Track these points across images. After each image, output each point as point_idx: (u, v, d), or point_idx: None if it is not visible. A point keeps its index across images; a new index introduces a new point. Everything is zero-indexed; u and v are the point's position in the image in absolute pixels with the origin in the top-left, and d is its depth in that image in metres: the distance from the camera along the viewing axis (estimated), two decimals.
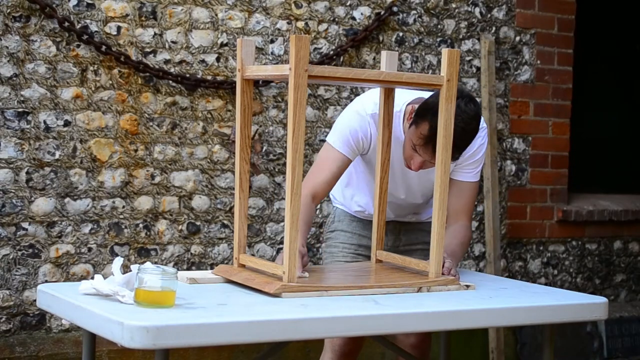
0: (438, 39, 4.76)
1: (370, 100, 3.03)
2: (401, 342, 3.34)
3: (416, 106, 2.92)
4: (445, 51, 2.61)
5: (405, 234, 3.32)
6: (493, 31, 4.93)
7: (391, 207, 3.19)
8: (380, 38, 4.59)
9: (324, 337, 2.31)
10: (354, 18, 4.52)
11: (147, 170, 4.10)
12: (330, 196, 3.42)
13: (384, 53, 2.83)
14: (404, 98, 3.04)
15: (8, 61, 3.82)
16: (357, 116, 3.02)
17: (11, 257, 3.86)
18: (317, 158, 3.15)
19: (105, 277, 2.32)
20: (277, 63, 4.30)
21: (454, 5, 4.80)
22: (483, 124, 3.04)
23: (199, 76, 4.17)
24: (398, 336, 3.35)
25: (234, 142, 4.10)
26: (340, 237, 3.32)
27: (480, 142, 3.04)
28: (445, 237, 2.78)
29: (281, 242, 4.33)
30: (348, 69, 2.55)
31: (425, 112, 2.81)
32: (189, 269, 4.16)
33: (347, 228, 3.31)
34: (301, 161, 2.39)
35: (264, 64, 4.27)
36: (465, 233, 3.07)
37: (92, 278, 2.36)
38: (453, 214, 3.03)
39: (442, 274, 2.71)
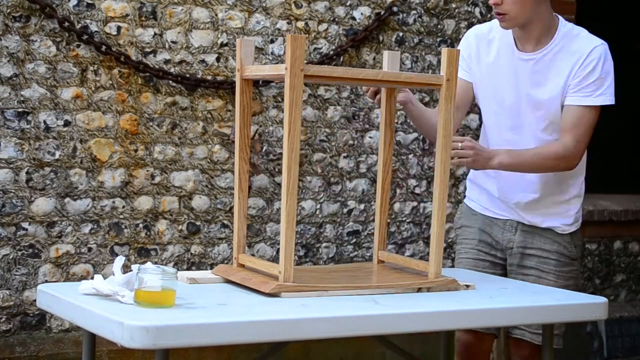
0: (438, 39, 4.76)
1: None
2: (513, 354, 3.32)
3: None
4: (445, 51, 2.60)
5: (522, 234, 3.20)
6: None
7: (502, 181, 3.15)
8: (380, 38, 4.59)
9: (324, 337, 2.31)
10: (354, 18, 4.52)
11: (147, 170, 4.10)
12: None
13: (385, 53, 2.83)
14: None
15: (8, 61, 3.82)
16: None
17: (11, 257, 3.86)
18: None
19: (105, 277, 2.32)
20: (277, 63, 4.30)
21: (454, 5, 4.80)
22: (596, 41, 3.01)
23: (199, 76, 4.17)
24: (511, 349, 3.31)
25: (234, 142, 4.10)
26: (464, 233, 3.27)
27: (594, 61, 2.96)
28: None
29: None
30: (346, 69, 2.55)
31: None
32: (189, 269, 4.16)
33: (467, 222, 3.26)
34: (297, 161, 2.38)
35: (264, 64, 4.27)
36: (553, 145, 3.00)
37: (92, 278, 2.36)
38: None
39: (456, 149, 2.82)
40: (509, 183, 3.12)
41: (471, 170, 3.29)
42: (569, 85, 2.97)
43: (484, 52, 3.09)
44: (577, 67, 2.97)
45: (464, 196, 3.39)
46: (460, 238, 3.30)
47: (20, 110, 3.85)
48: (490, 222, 3.22)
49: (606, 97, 3.00)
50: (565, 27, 3.04)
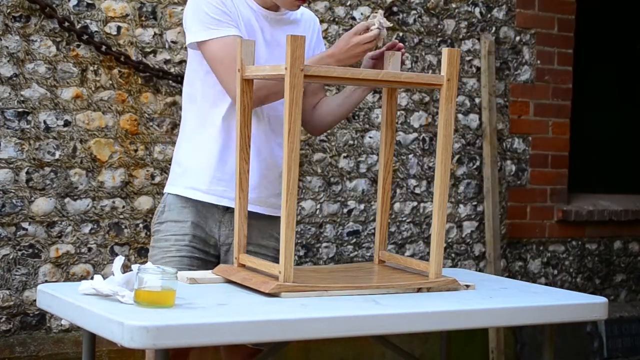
0: (438, 39, 4.76)
1: None
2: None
3: None
4: (445, 50, 2.60)
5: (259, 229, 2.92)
6: (493, 31, 4.93)
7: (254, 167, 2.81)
8: None
9: (324, 337, 2.31)
10: (354, 18, 4.52)
11: (147, 170, 4.10)
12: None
13: (386, 53, 2.82)
14: None
15: (8, 61, 3.82)
16: None
17: (11, 257, 3.86)
18: (215, 60, 2.81)
19: (105, 277, 2.32)
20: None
21: (454, 5, 4.80)
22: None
23: None
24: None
25: None
26: (172, 229, 2.90)
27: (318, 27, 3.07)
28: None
29: None
30: (345, 69, 2.54)
31: None
32: None
33: (178, 217, 2.89)
34: (297, 161, 2.38)
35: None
36: None
37: (92, 278, 2.36)
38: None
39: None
40: (272, 129, 2.93)
41: (192, 136, 2.93)
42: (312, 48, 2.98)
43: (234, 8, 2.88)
44: (312, 31, 3.00)
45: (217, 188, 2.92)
46: (167, 234, 2.89)
47: (20, 110, 3.85)
48: (205, 212, 2.89)
49: None
50: None
